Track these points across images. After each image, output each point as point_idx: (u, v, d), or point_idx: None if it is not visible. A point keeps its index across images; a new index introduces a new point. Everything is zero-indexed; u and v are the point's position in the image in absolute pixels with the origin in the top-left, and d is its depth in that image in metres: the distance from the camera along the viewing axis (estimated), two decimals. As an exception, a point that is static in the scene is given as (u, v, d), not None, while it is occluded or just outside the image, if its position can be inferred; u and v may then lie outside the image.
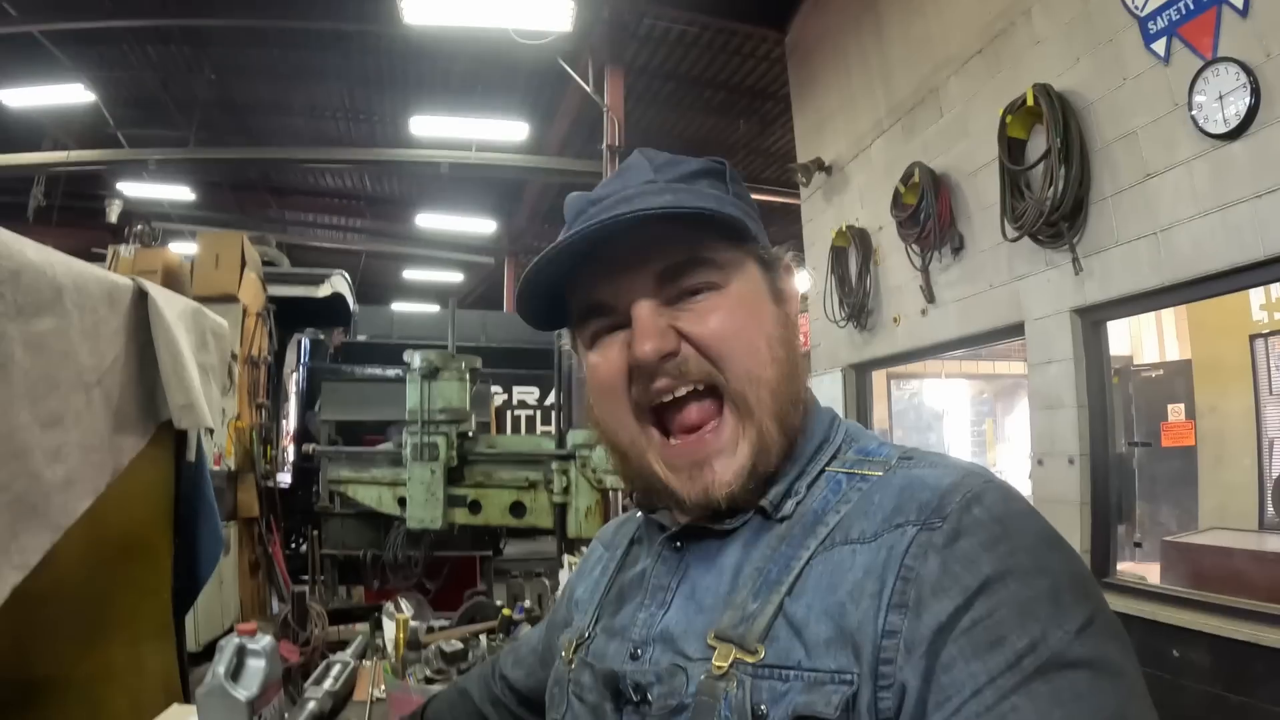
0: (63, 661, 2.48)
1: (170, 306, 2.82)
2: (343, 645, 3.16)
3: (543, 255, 0.86)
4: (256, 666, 1.68)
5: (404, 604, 2.52)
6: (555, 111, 10.37)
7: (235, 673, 1.65)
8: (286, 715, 2.02)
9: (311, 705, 2.18)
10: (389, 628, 2.50)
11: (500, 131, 10.25)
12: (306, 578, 5.99)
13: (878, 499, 0.79)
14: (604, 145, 8.43)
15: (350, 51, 9.64)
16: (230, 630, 4.53)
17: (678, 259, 0.85)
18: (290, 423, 8.92)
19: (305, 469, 7.68)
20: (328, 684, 2.36)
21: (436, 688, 2.22)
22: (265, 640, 1.70)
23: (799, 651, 0.74)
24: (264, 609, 6.11)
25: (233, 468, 5.81)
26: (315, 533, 5.95)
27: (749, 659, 0.76)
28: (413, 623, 2.48)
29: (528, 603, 2.87)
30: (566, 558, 3.09)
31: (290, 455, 8.33)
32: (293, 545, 7.46)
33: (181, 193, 12.53)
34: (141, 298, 2.69)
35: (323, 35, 9.16)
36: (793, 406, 0.87)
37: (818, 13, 7.51)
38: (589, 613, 1.02)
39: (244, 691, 1.62)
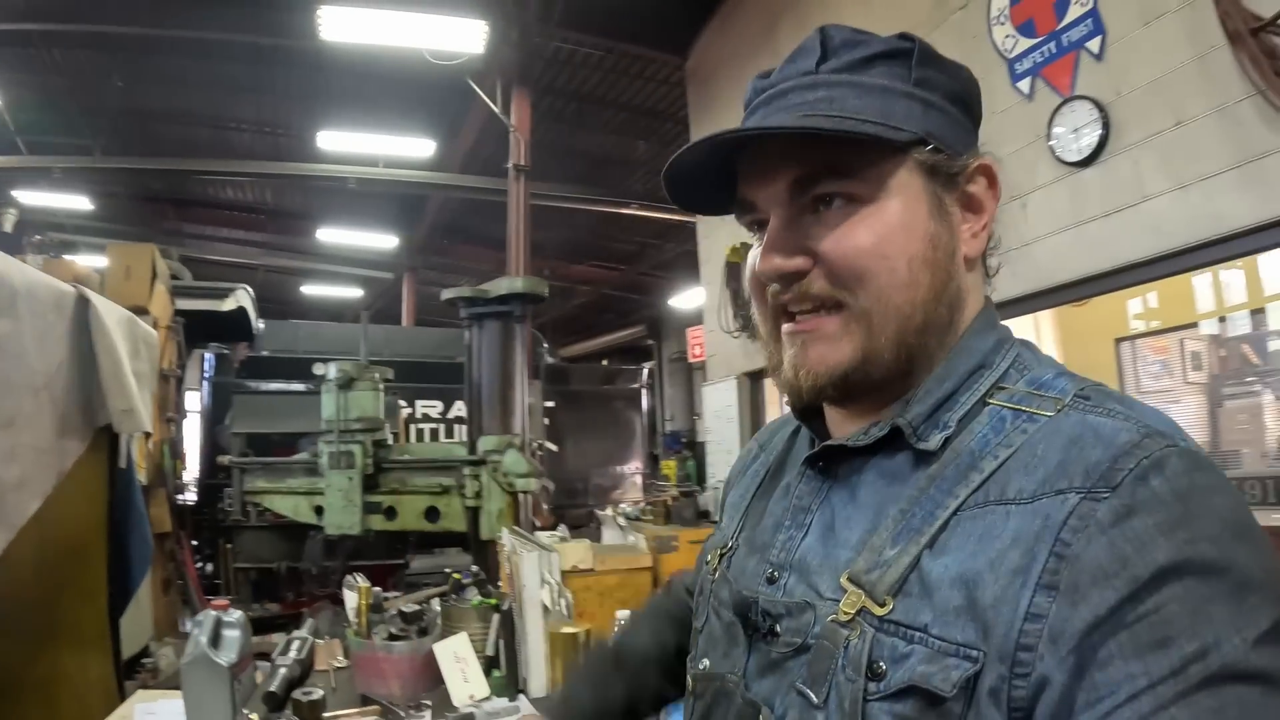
0: (16, 663, 2.56)
1: (109, 314, 2.93)
2: (264, 656, 3.30)
3: (678, 154, 0.84)
4: (233, 636, 1.86)
5: (360, 577, 2.70)
6: (461, 128, 10.48)
7: (214, 642, 1.82)
8: (260, 681, 2.19)
9: (283, 671, 2.34)
10: (350, 598, 2.68)
11: (407, 148, 10.30)
12: (215, 596, 5.96)
13: (1041, 449, 0.70)
14: (510, 164, 8.60)
15: (262, 64, 9.58)
16: (146, 649, 4.58)
17: (811, 169, 0.81)
18: (191, 440, 8.80)
19: (211, 485, 7.63)
20: (293, 654, 2.53)
21: (400, 644, 2.44)
22: (238, 614, 1.87)
23: (927, 614, 0.69)
24: (177, 627, 6.06)
25: (145, 483, 5.78)
26: (228, 546, 5.96)
27: (876, 610, 0.71)
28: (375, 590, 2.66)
29: (474, 567, 3.07)
30: (508, 533, 3.28)
31: (193, 471, 8.23)
32: (200, 563, 7.40)
33: (80, 202, 12.20)
34: (83, 305, 2.79)
35: (235, 47, 9.08)
36: (922, 334, 0.80)
37: (718, 41, 7.83)
38: (735, 519, 1.00)
39: (224, 658, 1.79)
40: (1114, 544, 0.61)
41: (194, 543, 7.17)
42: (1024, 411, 0.75)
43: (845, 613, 0.73)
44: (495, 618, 2.57)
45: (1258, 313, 5.27)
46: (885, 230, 0.79)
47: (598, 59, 9.14)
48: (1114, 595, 0.59)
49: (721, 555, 0.97)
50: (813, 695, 0.73)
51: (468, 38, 7.20)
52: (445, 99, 9.81)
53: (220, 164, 11.34)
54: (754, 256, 0.86)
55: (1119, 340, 6.20)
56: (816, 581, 0.80)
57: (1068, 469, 0.67)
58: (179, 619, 6.11)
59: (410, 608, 2.54)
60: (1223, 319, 5.58)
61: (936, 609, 0.68)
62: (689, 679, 0.95)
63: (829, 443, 0.86)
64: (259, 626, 4.73)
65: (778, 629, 0.80)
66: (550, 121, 10.02)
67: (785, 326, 0.85)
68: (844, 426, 0.88)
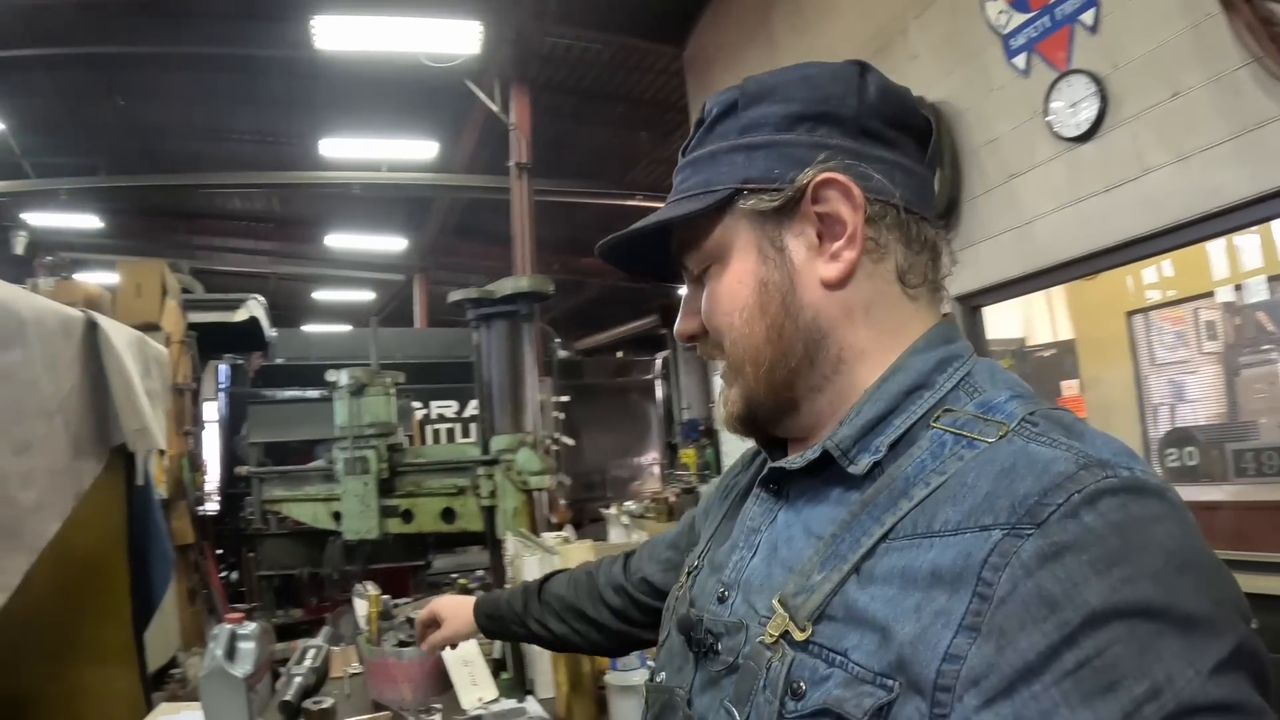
0: (41, 681, 2.62)
1: (118, 336, 2.97)
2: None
3: (606, 241, 0.93)
4: (248, 648, 1.90)
5: (371, 585, 2.74)
6: (462, 128, 10.50)
7: (230, 655, 1.87)
8: (276, 690, 2.23)
9: (298, 680, 2.39)
10: (360, 606, 2.72)
11: (410, 151, 10.33)
12: (243, 604, 6.04)
13: (973, 478, 0.68)
14: (511, 163, 8.62)
15: (260, 75, 9.61)
16: (174, 660, 4.67)
17: (677, 248, 0.92)
18: (211, 450, 8.88)
19: (232, 495, 7.72)
20: (308, 662, 2.58)
21: (410, 650, 2.48)
22: (253, 626, 1.92)
23: (850, 640, 0.68)
24: (204, 636, 6.14)
25: (164, 496, 5.86)
26: (250, 555, 6.02)
27: (797, 635, 0.72)
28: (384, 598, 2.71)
29: (481, 572, 3.10)
30: (512, 537, 3.31)
31: (213, 482, 8.31)
32: (224, 572, 7.49)
33: (89, 221, 12.29)
34: (92, 328, 2.84)
35: (232, 60, 9.13)
36: (779, 369, 0.83)
37: (713, 29, 7.83)
38: (705, 538, 1.03)
39: (240, 670, 1.84)
40: (1041, 585, 0.58)
41: (219, 551, 7.27)
42: (965, 436, 0.72)
43: (770, 635, 0.74)
44: (501, 621, 2.61)
45: (1276, 279, 5.25)
46: (723, 289, 0.86)
47: (595, 53, 9.13)
48: (1043, 640, 0.56)
49: (689, 573, 0.99)
50: (736, 713, 0.75)
51: (463, 39, 7.21)
52: (445, 100, 9.83)
53: (225, 176, 11.39)
54: None
55: (1130, 313, 6.18)
56: (755, 602, 0.81)
57: (994, 502, 0.64)
58: (205, 628, 6.20)
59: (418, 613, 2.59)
60: (1238, 286, 5.56)
61: (858, 636, 0.68)
62: (644, 689, 0.98)
63: (771, 465, 0.88)
64: (283, 633, 4.82)
65: (718, 647, 0.82)
66: (551, 118, 10.01)
67: None
68: (796, 450, 0.88)
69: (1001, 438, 0.70)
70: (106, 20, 8.36)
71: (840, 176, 0.80)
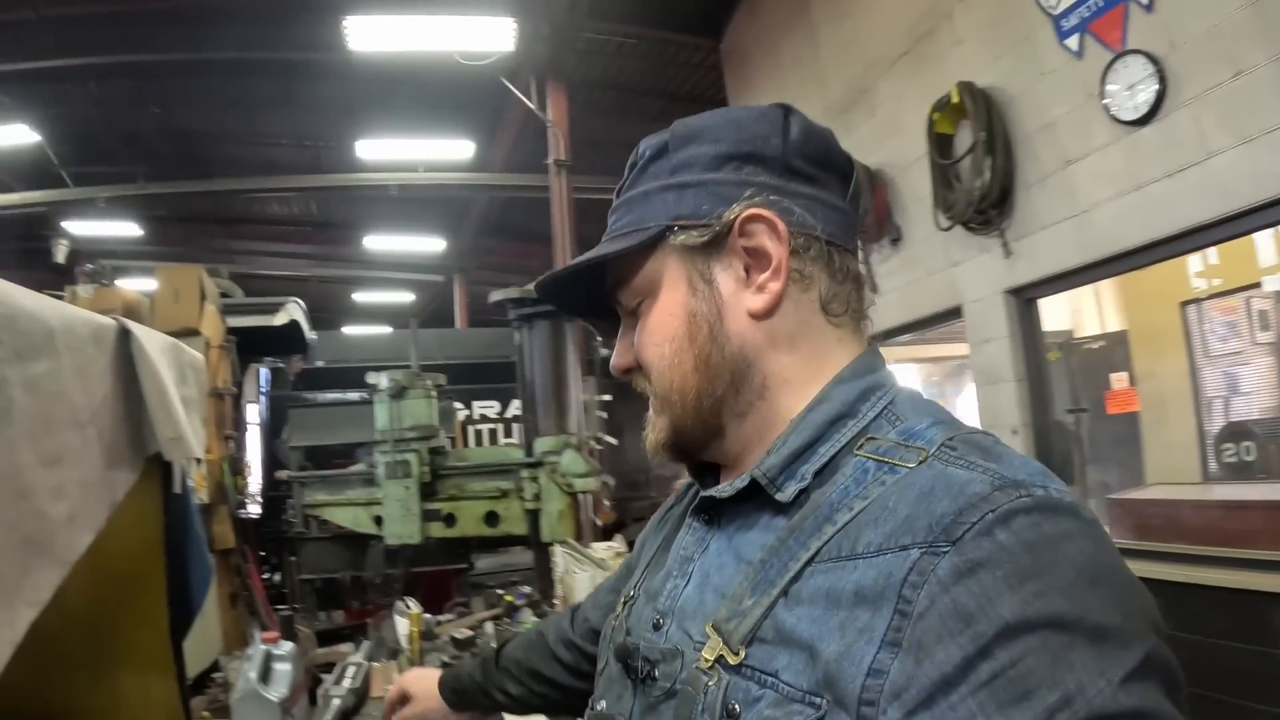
0: (76, 693, 2.58)
1: (151, 343, 2.92)
2: (332, 667, 3.28)
3: (543, 279, 0.97)
4: (283, 670, 1.83)
5: (412, 601, 2.66)
6: (499, 127, 10.47)
7: (264, 677, 1.79)
8: (314, 710, 2.16)
9: (336, 703, 2.31)
10: (401, 624, 2.64)
11: (446, 151, 10.32)
12: (285, 607, 6.03)
13: (893, 502, 0.70)
14: (550, 160, 8.56)
15: (294, 79, 9.65)
16: (216, 664, 4.62)
17: (610, 285, 0.95)
18: (253, 453, 8.92)
19: (274, 498, 7.72)
20: (347, 683, 2.50)
21: None
22: (289, 646, 1.84)
23: (780, 661, 0.71)
24: (246, 640, 6.13)
25: (205, 500, 5.85)
26: (292, 559, 6.01)
27: (731, 658, 0.74)
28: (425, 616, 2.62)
29: (528, 588, 3.02)
30: (561, 550, 3.22)
31: (255, 485, 8.34)
32: (266, 575, 7.49)
33: (128, 229, 12.43)
34: (124, 336, 2.78)
35: (266, 64, 9.17)
36: (705, 399, 0.87)
37: (750, 19, 7.71)
38: (640, 568, 1.04)
39: (275, 693, 1.77)
40: (956, 600, 0.60)
41: (261, 554, 7.27)
42: (886, 463, 0.75)
43: (706, 659, 0.76)
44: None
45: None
46: (653, 323, 0.90)
47: (630, 47, 9.04)
48: (959, 652, 0.59)
49: (624, 603, 1.01)
50: None
51: (497, 36, 7.18)
52: (481, 99, 9.80)
53: (262, 180, 11.47)
54: None
55: (1184, 303, 5.98)
56: (690, 628, 0.83)
57: (913, 523, 0.67)
58: (247, 631, 6.20)
59: (463, 633, 2.50)
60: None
61: (787, 657, 0.70)
62: (585, 717, 1.00)
63: (702, 494, 0.91)
64: (325, 638, 4.78)
65: (655, 673, 0.83)
66: (589, 115, 9.93)
67: None
68: (727, 477, 0.92)
69: (921, 463, 0.73)
70: (138, 29, 8.45)
71: (765, 212, 0.84)
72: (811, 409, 0.83)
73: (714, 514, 0.91)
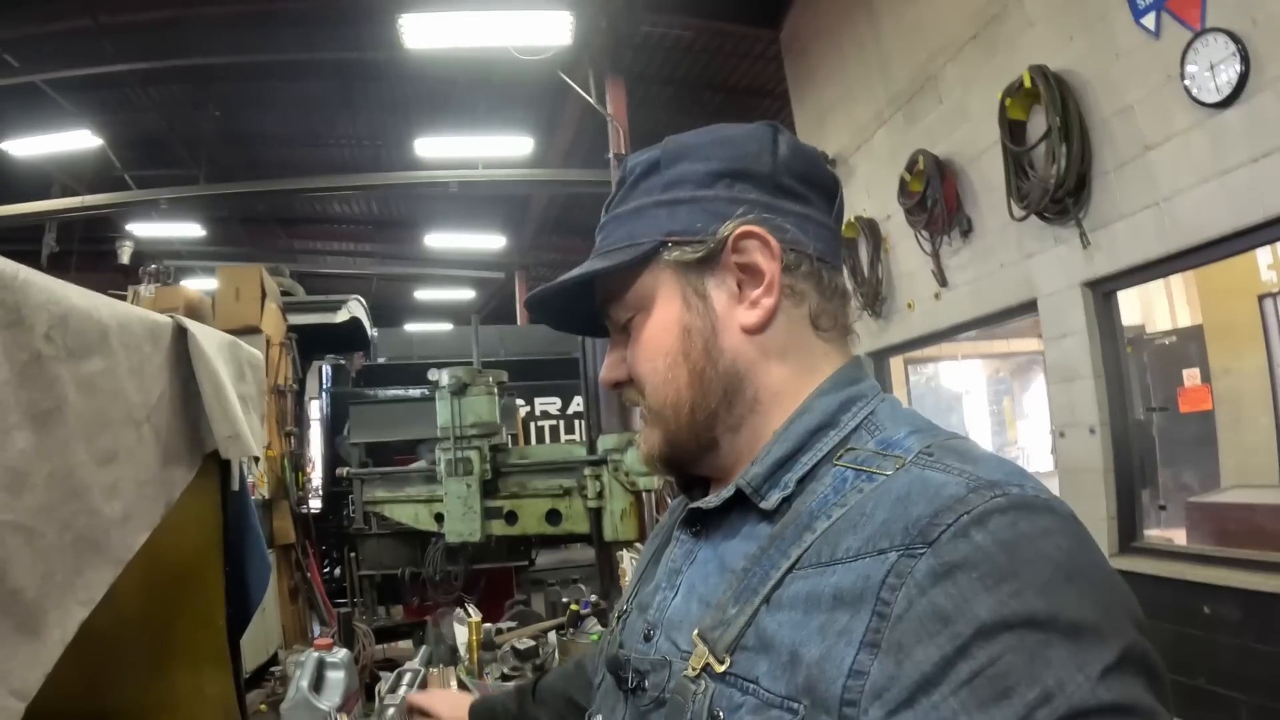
0: (129, 692, 2.57)
1: (208, 341, 2.91)
2: (390, 664, 3.23)
3: (533, 295, 0.97)
4: (336, 678, 1.78)
5: (472, 608, 2.60)
6: (558, 123, 10.45)
7: (316, 685, 1.74)
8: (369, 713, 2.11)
9: (391, 712, 2.26)
10: (460, 632, 2.58)
11: (505, 147, 10.29)
12: (345, 601, 6.07)
13: (870, 507, 0.72)
14: (610, 154, 8.50)
15: (352, 79, 9.74)
16: (274, 657, 4.64)
17: (601, 301, 0.95)
18: (315, 449, 9.02)
19: (335, 493, 7.78)
20: (403, 690, 2.45)
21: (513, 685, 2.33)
22: (342, 653, 1.79)
23: (761, 668, 0.72)
24: (305, 634, 6.18)
25: (266, 496, 5.90)
26: (352, 555, 6.03)
27: (717, 666, 0.75)
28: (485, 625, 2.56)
29: (594, 596, 2.95)
30: (625, 553, 3.16)
31: (317, 481, 8.43)
32: (326, 569, 7.56)
33: (191, 230, 12.64)
34: (181, 334, 2.77)
35: (323, 65, 9.25)
36: (699, 412, 0.88)
37: (810, 8, 7.59)
38: (633, 583, 1.06)
39: (327, 702, 1.72)
40: (934, 601, 0.61)
41: (322, 549, 7.33)
42: (865, 471, 0.77)
43: (693, 668, 0.77)
44: (618, 653, 2.44)
45: None
46: (647, 337, 0.91)
47: (689, 40, 8.97)
48: (937, 651, 0.60)
49: (619, 617, 1.01)
50: None
51: (554, 31, 7.13)
52: (539, 95, 9.79)
53: (323, 180, 11.56)
54: None
55: (1262, 297, 5.74)
56: (677, 638, 0.84)
57: (890, 527, 0.68)
58: (307, 626, 6.25)
59: (524, 643, 2.43)
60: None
61: (767, 663, 0.71)
62: None
63: (690, 506, 0.92)
64: (384, 634, 4.77)
65: (645, 684, 0.84)
66: (647, 109, 9.87)
67: None
68: (717, 490, 0.91)
69: (898, 469, 0.74)
70: (195, 34, 8.57)
71: (758, 229, 0.86)
72: (794, 420, 0.85)
73: (701, 525, 0.92)
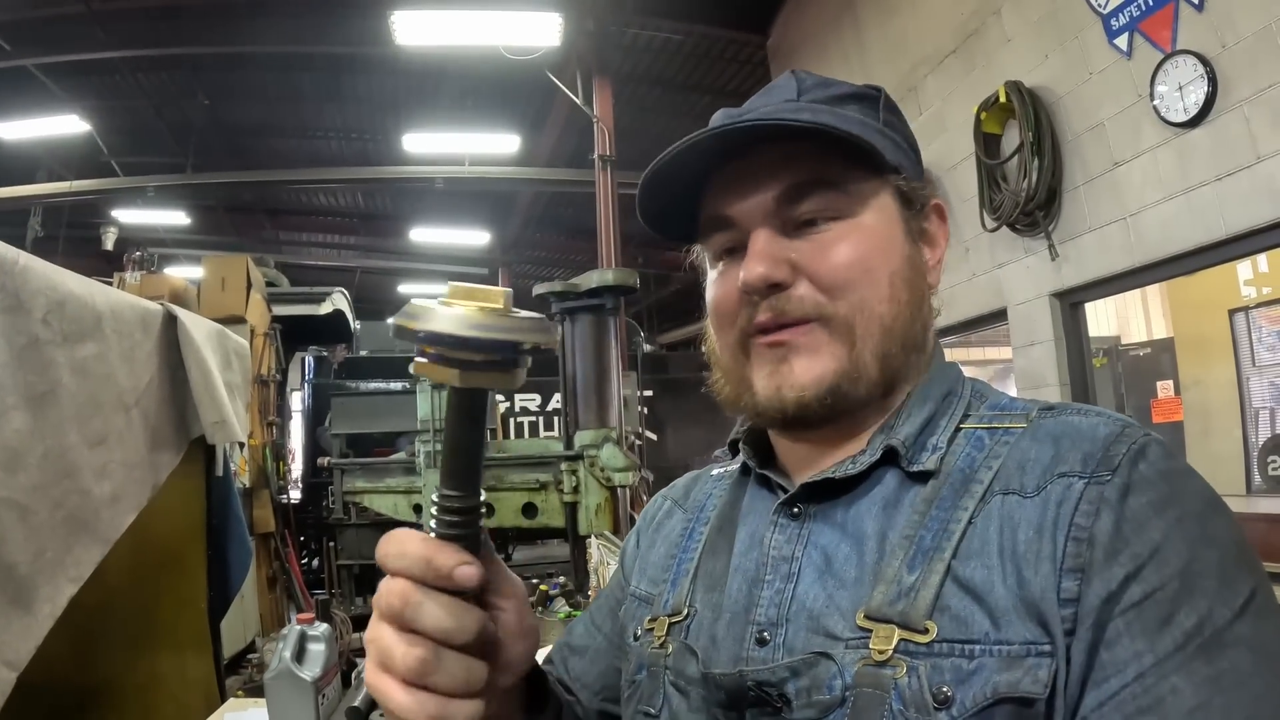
0: (115, 669, 2.64)
1: (197, 329, 2.98)
2: (365, 653, 3.30)
3: (665, 153, 0.82)
4: (317, 650, 1.86)
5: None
6: (545, 122, 10.49)
7: (299, 657, 1.82)
8: (346, 694, 2.19)
9: (365, 692, 2.34)
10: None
11: (492, 145, 10.35)
12: (323, 592, 6.12)
13: (1032, 451, 0.71)
14: (595, 155, 8.57)
15: (341, 73, 9.74)
16: (252, 645, 4.72)
17: (801, 179, 0.79)
18: (296, 440, 9.05)
19: (315, 484, 7.83)
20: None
21: None
22: (323, 627, 1.87)
23: (983, 621, 0.65)
24: (283, 622, 6.22)
25: (247, 484, 5.95)
26: (331, 544, 6.08)
27: (919, 639, 0.66)
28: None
29: (562, 579, 3.03)
30: (597, 541, 3.23)
31: (298, 471, 8.46)
32: (304, 561, 7.61)
33: (177, 218, 12.62)
34: (171, 321, 2.84)
35: (314, 58, 9.27)
36: (902, 349, 0.80)
37: (798, 16, 7.68)
38: (682, 584, 0.90)
39: (309, 673, 1.80)
40: (1119, 524, 0.63)
41: (301, 538, 7.38)
42: (999, 428, 0.76)
43: (880, 651, 0.67)
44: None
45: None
46: (868, 244, 0.80)
47: (677, 43, 9.02)
48: (1120, 571, 0.61)
49: (673, 624, 0.86)
50: None
51: (543, 31, 7.20)
52: (527, 94, 9.83)
53: (309, 172, 11.57)
54: (729, 280, 0.83)
55: (1232, 311, 5.86)
56: (828, 627, 0.72)
57: (1064, 458, 0.69)
58: (285, 614, 6.29)
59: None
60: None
61: (994, 612, 0.65)
62: None
63: (810, 480, 0.80)
64: (360, 623, 4.84)
65: (788, 693, 0.70)
66: (634, 110, 9.93)
67: (760, 340, 0.82)
68: (805, 467, 0.84)
69: (1031, 423, 0.75)
70: (187, 22, 8.59)
71: (944, 207, 0.89)
72: (928, 384, 0.83)
73: (808, 504, 0.80)
